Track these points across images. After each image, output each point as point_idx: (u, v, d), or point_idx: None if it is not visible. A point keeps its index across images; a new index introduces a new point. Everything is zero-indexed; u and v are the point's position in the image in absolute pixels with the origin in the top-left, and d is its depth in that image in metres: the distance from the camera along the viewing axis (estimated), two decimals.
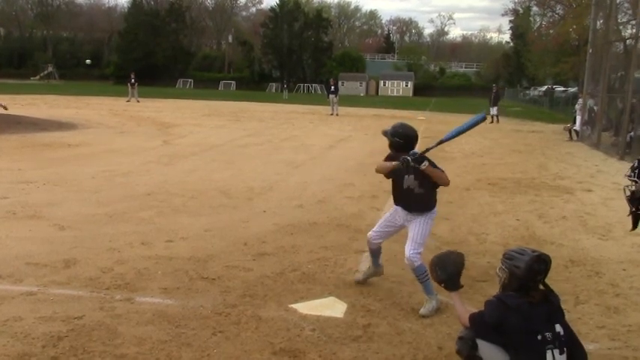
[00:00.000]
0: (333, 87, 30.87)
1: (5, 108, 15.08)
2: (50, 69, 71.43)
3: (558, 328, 3.34)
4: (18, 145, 14.29)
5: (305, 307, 4.83)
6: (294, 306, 4.85)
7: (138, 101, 35.14)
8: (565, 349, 3.31)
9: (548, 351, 3.26)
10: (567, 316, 4.80)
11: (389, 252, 5.95)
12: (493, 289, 5.39)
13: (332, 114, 29.96)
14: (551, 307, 3.40)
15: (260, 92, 64.10)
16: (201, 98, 44.17)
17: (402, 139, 5.03)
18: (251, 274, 5.61)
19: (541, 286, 3.46)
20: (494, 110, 29.07)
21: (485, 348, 3.41)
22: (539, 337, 3.27)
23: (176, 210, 8.20)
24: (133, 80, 36.28)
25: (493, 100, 29.60)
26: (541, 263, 3.41)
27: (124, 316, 4.52)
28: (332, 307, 4.87)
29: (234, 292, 5.12)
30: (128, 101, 34.96)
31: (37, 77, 69.11)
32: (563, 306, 4.62)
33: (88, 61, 58.72)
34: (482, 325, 3.43)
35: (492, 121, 28.39)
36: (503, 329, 3.31)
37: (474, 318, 3.49)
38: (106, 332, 4.24)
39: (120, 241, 6.49)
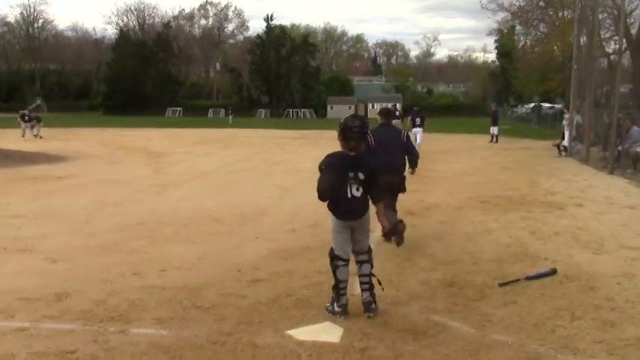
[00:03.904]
0: (419, 119, 24.19)
1: None
2: (38, 102, 71.31)
3: (360, 174, 5.09)
4: (7, 179, 14.22)
5: (301, 333, 4.79)
6: (290, 332, 4.81)
7: (38, 136, 30.00)
8: (361, 187, 5.10)
9: (349, 184, 5.08)
10: (564, 332, 4.82)
11: (383, 273, 5.92)
12: (489, 308, 5.40)
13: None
14: (360, 161, 5.15)
15: (249, 118, 64.23)
16: (191, 126, 44.20)
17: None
18: (245, 301, 5.57)
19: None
20: (494, 130, 28.81)
21: (323, 176, 5.12)
22: (347, 173, 5.07)
23: (168, 239, 8.15)
24: (26, 116, 31.18)
25: (493, 119, 29.26)
26: (355, 119, 5.17)
27: (118, 349, 4.46)
28: (328, 332, 4.83)
29: (229, 319, 5.07)
30: (23, 135, 29.67)
31: (26, 110, 68.93)
32: (559, 322, 4.63)
33: None
34: (323, 164, 5.18)
35: (492, 140, 28.31)
36: (330, 166, 5.11)
37: (321, 163, 5.21)
38: None
39: (112, 272, 6.43)
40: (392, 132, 8.00)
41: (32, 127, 30.73)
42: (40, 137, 29.81)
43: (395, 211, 7.79)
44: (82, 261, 6.92)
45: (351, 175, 5.08)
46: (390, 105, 37.06)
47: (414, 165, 8.25)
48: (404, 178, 7.89)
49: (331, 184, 5.09)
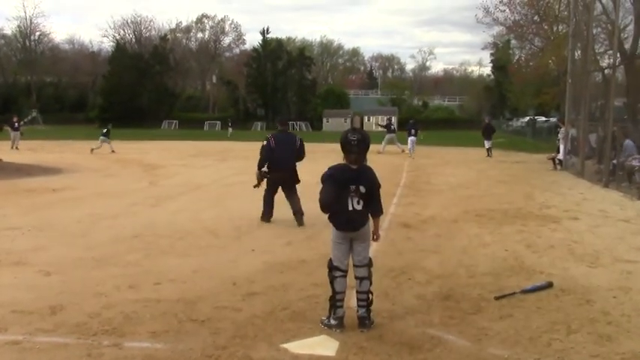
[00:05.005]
0: (413, 130, 29.00)
1: None
2: (34, 114, 71.26)
3: (362, 188, 5.14)
4: (2, 192, 14.17)
5: (296, 347, 4.77)
6: (285, 346, 4.79)
7: (17, 148, 30.17)
8: (362, 200, 5.15)
9: (350, 197, 5.14)
10: (560, 346, 4.81)
11: (379, 287, 5.92)
12: (485, 322, 5.39)
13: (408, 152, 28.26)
14: (361, 175, 5.18)
15: (245, 131, 64.28)
16: (187, 139, 44.18)
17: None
18: (241, 314, 5.54)
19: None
20: (487, 144, 28.26)
21: (324, 189, 5.20)
22: (348, 187, 5.12)
23: (164, 251, 8.13)
24: (16, 124, 31.56)
25: (486, 133, 28.68)
26: (354, 133, 5.19)
27: None
28: (324, 346, 4.81)
29: (224, 333, 5.05)
30: (16, 148, 30.13)
31: (22, 123, 68.77)
32: (555, 336, 4.61)
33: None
34: (324, 177, 5.24)
35: (488, 155, 27.77)
36: (332, 178, 5.17)
37: (323, 176, 5.27)
38: None
39: (107, 284, 6.40)
40: (289, 137, 10.37)
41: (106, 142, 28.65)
42: (16, 148, 30.05)
43: (298, 199, 10.02)
44: (77, 274, 6.88)
45: (352, 188, 5.14)
46: (385, 118, 40.11)
47: (299, 160, 10.22)
48: (295, 172, 10.12)
49: (332, 198, 5.15)
